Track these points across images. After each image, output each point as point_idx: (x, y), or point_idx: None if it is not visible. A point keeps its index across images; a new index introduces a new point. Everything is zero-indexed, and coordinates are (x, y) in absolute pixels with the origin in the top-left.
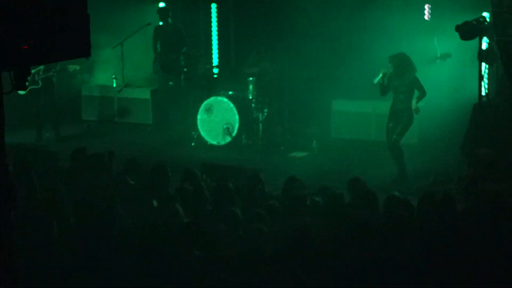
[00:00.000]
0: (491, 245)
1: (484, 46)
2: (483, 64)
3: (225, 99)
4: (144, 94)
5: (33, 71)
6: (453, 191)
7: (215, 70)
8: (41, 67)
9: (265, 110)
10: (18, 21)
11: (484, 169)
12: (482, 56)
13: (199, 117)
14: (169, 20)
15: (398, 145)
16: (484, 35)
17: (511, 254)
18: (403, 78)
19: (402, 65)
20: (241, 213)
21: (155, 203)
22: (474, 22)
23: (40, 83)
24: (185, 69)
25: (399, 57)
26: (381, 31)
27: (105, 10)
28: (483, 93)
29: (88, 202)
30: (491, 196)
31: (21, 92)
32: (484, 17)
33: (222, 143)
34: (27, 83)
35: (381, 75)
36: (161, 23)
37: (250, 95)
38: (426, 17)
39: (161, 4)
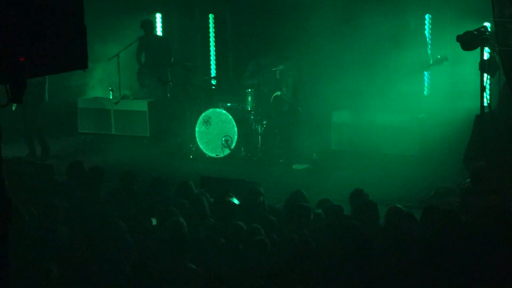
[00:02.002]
0: (485, 259)
1: (486, 56)
2: (485, 75)
3: (224, 111)
4: (141, 106)
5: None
6: (455, 204)
7: (213, 82)
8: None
9: (264, 122)
10: (15, 33)
11: (475, 182)
12: (484, 66)
13: (197, 129)
14: (155, 32)
15: None
16: (485, 45)
17: (504, 267)
18: None
19: None
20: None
21: (154, 221)
22: (475, 32)
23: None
24: (170, 82)
25: None
26: (381, 42)
27: (101, 22)
28: (485, 104)
29: (85, 216)
30: (478, 210)
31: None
32: (485, 27)
33: (221, 155)
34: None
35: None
36: (145, 34)
37: (249, 106)
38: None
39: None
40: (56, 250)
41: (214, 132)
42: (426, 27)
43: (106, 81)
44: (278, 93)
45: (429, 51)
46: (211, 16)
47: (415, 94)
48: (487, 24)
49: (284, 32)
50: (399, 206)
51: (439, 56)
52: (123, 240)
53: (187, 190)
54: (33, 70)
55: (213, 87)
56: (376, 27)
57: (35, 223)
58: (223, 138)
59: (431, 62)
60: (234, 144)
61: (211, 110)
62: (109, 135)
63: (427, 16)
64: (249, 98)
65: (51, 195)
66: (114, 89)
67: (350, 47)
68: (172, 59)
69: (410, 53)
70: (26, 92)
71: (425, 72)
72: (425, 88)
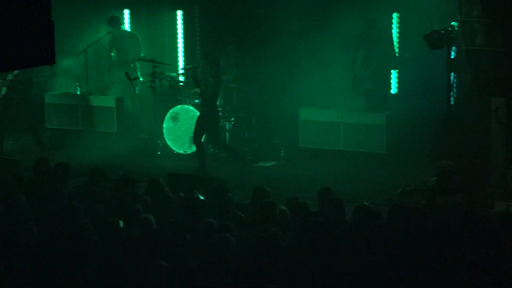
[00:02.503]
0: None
1: (452, 55)
2: (452, 74)
3: (192, 107)
4: (109, 102)
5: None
6: (422, 202)
7: (181, 78)
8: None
9: (232, 119)
10: None
11: (441, 181)
12: (451, 65)
13: (165, 125)
14: (123, 27)
15: None
16: (452, 44)
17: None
18: None
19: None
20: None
21: (121, 223)
22: (442, 31)
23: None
24: (140, 78)
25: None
26: (349, 40)
27: (70, 17)
28: (451, 103)
29: (51, 212)
30: (444, 208)
31: None
32: (452, 26)
33: (189, 152)
34: None
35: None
36: (115, 30)
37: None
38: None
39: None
40: (25, 246)
41: (182, 128)
42: (393, 26)
43: (73, 77)
44: (197, 90)
45: (396, 50)
46: (179, 12)
47: (383, 91)
48: (454, 23)
49: (252, 29)
50: (366, 203)
51: (406, 56)
52: (87, 237)
53: (157, 187)
54: (0, 65)
55: (181, 84)
56: (344, 25)
57: (1, 219)
58: (191, 135)
59: (397, 61)
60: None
61: (179, 106)
62: (76, 130)
63: (394, 15)
64: None
65: (17, 191)
66: (81, 85)
67: (318, 44)
68: (142, 54)
69: (377, 51)
70: (15, 90)
71: (393, 70)
72: (393, 86)
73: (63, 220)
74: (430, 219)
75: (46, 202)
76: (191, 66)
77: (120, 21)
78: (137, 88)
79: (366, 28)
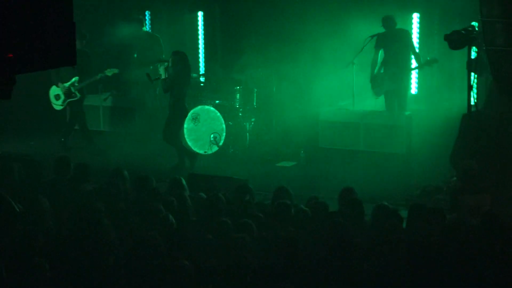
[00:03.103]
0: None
1: (473, 55)
2: (472, 74)
3: (212, 108)
4: (130, 102)
5: (66, 84)
6: (442, 202)
7: (202, 79)
8: (75, 78)
9: (252, 119)
10: (3, 29)
11: (464, 181)
12: (471, 65)
13: (185, 126)
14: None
15: None
16: (473, 45)
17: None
18: None
19: None
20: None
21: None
22: (463, 32)
23: (78, 95)
24: (162, 77)
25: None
26: (369, 40)
27: (90, 18)
28: (472, 103)
29: (71, 212)
30: (467, 209)
31: (58, 108)
32: (473, 26)
33: (209, 152)
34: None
35: None
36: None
37: (237, 103)
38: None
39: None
40: (45, 245)
41: (203, 129)
42: (414, 26)
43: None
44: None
45: (417, 50)
46: (200, 13)
47: (403, 92)
48: (474, 23)
49: (272, 29)
50: (386, 203)
51: (428, 58)
52: (107, 236)
53: (178, 187)
54: (22, 67)
55: (202, 84)
56: (364, 25)
57: (22, 218)
58: (212, 135)
59: (420, 63)
60: (222, 141)
61: (199, 107)
62: (98, 131)
63: (415, 15)
64: (238, 96)
65: (38, 191)
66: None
67: (338, 45)
68: (163, 55)
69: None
70: (79, 89)
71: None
72: (413, 87)
73: (83, 220)
74: (451, 219)
75: (66, 202)
76: (161, 62)
77: (142, 23)
78: (157, 88)
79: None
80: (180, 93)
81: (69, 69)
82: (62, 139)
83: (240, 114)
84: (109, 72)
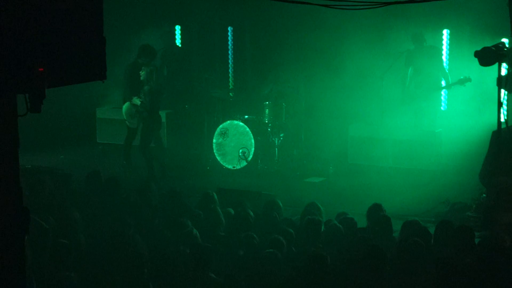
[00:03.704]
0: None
1: (504, 72)
2: (502, 91)
3: (241, 123)
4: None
5: (138, 100)
6: (471, 219)
7: (231, 94)
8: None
9: (281, 135)
10: (34, 43)
11: (498, 198)
12: (501, 82)
13: (214, 140)
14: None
15: None
16: (503, 61)
17: None
18: None
19: None
20: (258, 239)
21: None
22: (493, 48)
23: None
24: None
25: None
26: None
27: (123, 33)
28: (502, 120)
29: (101, 225)
30: (502, 227)
31: (133, 126)
32: (503, 43)
33: (238, 167)
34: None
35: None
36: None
37: (266, 119)
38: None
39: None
40: (75, 259)
41: (231, 144)
42: (443, 42)
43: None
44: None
45: (446, 68)
46: (230, 28)
47: (433, 109)
48: (505, 40)
49: (301, 46)
50: (415, 220)
51: (462, 77)
52: (136, 249)
53: (209, 202)
54: (52, 81)
55: (231, 99)
56: (394, 42)
57: (53, 232)
58: (240, 150)
59: (452, 81)
60: (251, 156)
61: (228, 122)
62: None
63: (445, 32)
64: (267, 111)
65: (69, 205)
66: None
67: (367, 61)
68: (196, 72)
69: (427, 68)
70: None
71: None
72: (443, 103)
73: (113, 233)
74: (484, 236)
75: (97, 215)
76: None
77: (174, 37)
78: (186, 105)
79: (415, 43)
80: (159, 103)
81: (143, 85)
82: (125, 162)
83: (269, 129)
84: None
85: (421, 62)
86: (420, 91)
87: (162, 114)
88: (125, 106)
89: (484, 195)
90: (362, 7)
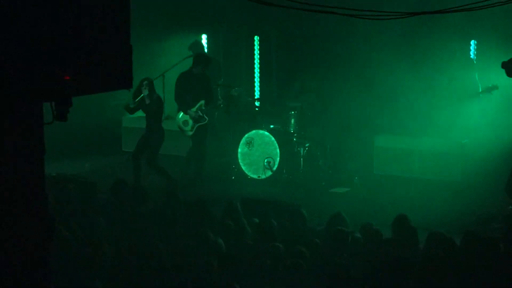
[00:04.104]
0: None
1: None
2: None
3: (266, 133)
4: None
5: (193, 109)
6: (497, 231)
7: (257, 103)
8: (201, 101)
9: (307, 145)
10: (61, 51)
11: None
12: None
13: (239, 150)
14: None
15: None
16: None
17: None
18: None
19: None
20: (284, 249)
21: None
22: None
23: (206, 118)
24: (220, 102)
25: None
26: (423, 67)
27: (149, 42)
28: None
29: (128, 234)
30: None
31: (188, 134)
32: None
33: (263, 177)
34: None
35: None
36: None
37: (292, 128)
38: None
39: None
40: (101, 268)
41: (257, 153)
42: (471, 53)
43: None
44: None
45: (476, 77)
46: (256, 37)
47: (459, 119)
48: None
49: (328, 56)
50: (440, 231)
51: (490, 85)
52: (161, 259)
53: (233, 211)
54: (78, 89)
55: (257, 109)
56: (420, 53)
57: (78, 240)
58: (265, 160)
59: (480, 90)
60: (276, 166)
61: (254, 131)
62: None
63: (472, 42)
64: (292, 120)
65: (94, 213)
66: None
67: (394, 72)
68: (222, 79)
69: (456, 79)
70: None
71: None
72: (469, 114)
73: (139, 243)
74: (506, 248)
75: (123, 224)
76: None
77: (200, 46)
78: (216, 113)
79: (444, 55)
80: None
81: (195, 94)
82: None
83: (295, 139)
84: (235, 92)
85: (449, 73)
86: (447, 100)
87: None
88: (180, 116)
89: (510, 206)
90: (387, 17)
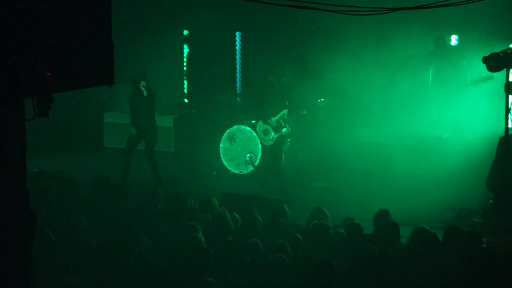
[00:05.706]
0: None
1: (511, 78)
2: (510, 96)
3: (248, 128)
4: (167, 121)
5: (274, 118)
6: (478, 225)
7: (238, 99)
8: (284, 111)
9: (288, 140)
10: (42, 48)
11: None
12: (509, 88)
13: (221, 145)
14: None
15: None
16: (511, 67)
17: None
18: None
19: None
20: (264, 244)
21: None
22: (501, 54)
23: (289, 128)
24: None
25: None
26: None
27: (136, 37)
28: (510, 126)
29: (108, 230)
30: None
31: (268, 143)
32: (511, 49)
33: (244, 172)
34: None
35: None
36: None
37: None
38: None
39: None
40: (80, 264)
41: (238, 149)
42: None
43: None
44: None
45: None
46: (238, 33)
47: (441, 114)
48: None
49: (310, 50)
50: (424, 226)
51: (484, 75)
52: (142, 256)
53: (210, 206)
54: (60, 85)
55: (238, 104)
56: (406, 47)
57: (58, 236)
58: (247, 155)
59: (475, 79)
60: (258, 161)
61: (235, 127)
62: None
63: (453, 37)
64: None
65: (76, 209)
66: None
67: (374, 67)
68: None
69: (448, 69)
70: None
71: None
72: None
73: (120, 238)
74: (488, 242)
75: (104, 220)
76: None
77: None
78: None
79: (436, 46)
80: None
81: (277, 103)
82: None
83: None
84: (321, 103)
85: (443, 62)
86: (444, 89)
87: (169, 118)
88: (259, 125)
89: (491, 201)
90: (368, 12)
